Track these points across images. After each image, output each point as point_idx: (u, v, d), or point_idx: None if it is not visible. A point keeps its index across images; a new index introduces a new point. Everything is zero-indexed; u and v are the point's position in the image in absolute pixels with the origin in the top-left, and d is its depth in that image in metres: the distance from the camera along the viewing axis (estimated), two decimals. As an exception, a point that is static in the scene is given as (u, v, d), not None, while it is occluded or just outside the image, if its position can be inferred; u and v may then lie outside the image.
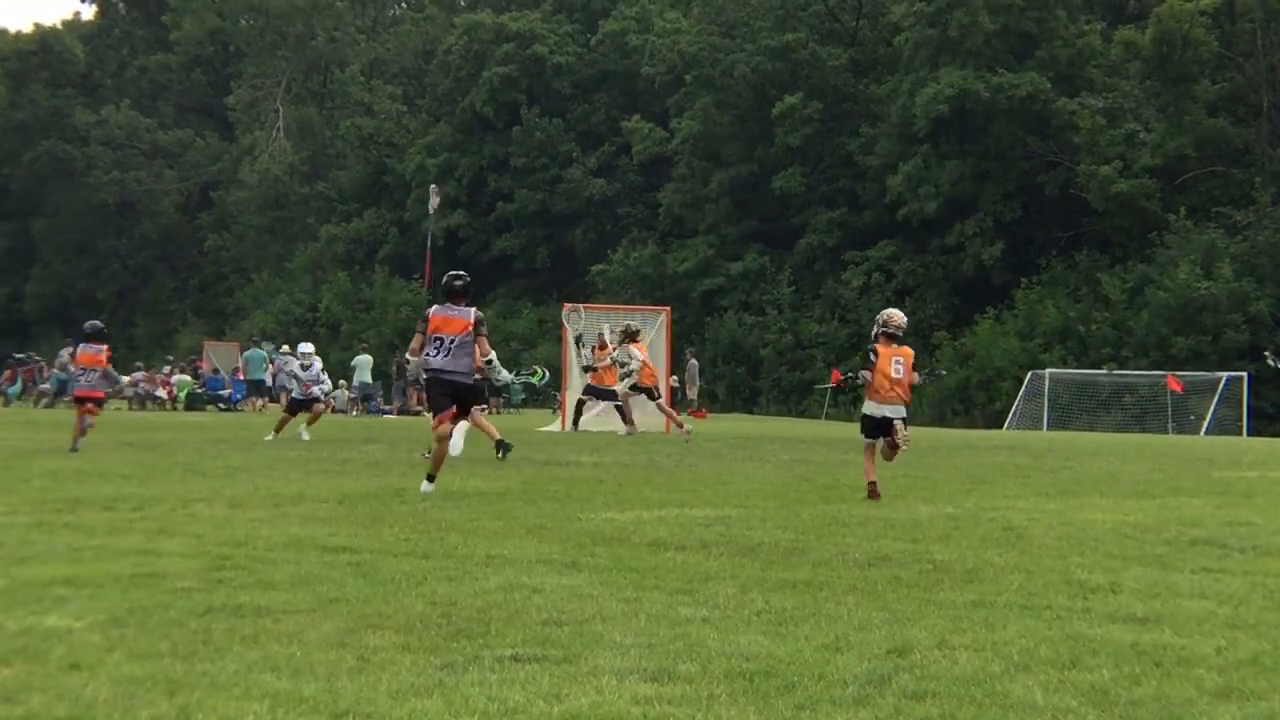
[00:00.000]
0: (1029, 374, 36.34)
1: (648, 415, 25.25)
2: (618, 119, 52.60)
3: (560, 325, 24.67)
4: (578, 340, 23.38)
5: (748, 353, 44.28)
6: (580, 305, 25.10)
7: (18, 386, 38.55)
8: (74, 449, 15.34)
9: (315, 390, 20.08)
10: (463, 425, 10.97)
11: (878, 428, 10.86)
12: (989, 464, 15.64)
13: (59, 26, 73.77)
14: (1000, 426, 34.63)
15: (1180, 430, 32.67)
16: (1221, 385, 33.18)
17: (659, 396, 21.86)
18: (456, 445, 10.93)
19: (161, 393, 37.07)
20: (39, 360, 40.92)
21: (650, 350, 25.46)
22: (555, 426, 24.44)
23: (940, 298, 41.80)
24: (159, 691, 4.26)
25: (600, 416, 22.88)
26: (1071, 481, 12.93)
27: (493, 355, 11.49)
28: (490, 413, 35.94)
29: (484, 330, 11.29)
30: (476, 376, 11.54)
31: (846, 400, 37.14)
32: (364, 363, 36.02)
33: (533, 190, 52.57)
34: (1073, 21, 42.70)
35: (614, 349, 21.78)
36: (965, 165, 40.79)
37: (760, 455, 16.54)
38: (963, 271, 41.16)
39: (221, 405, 36.27)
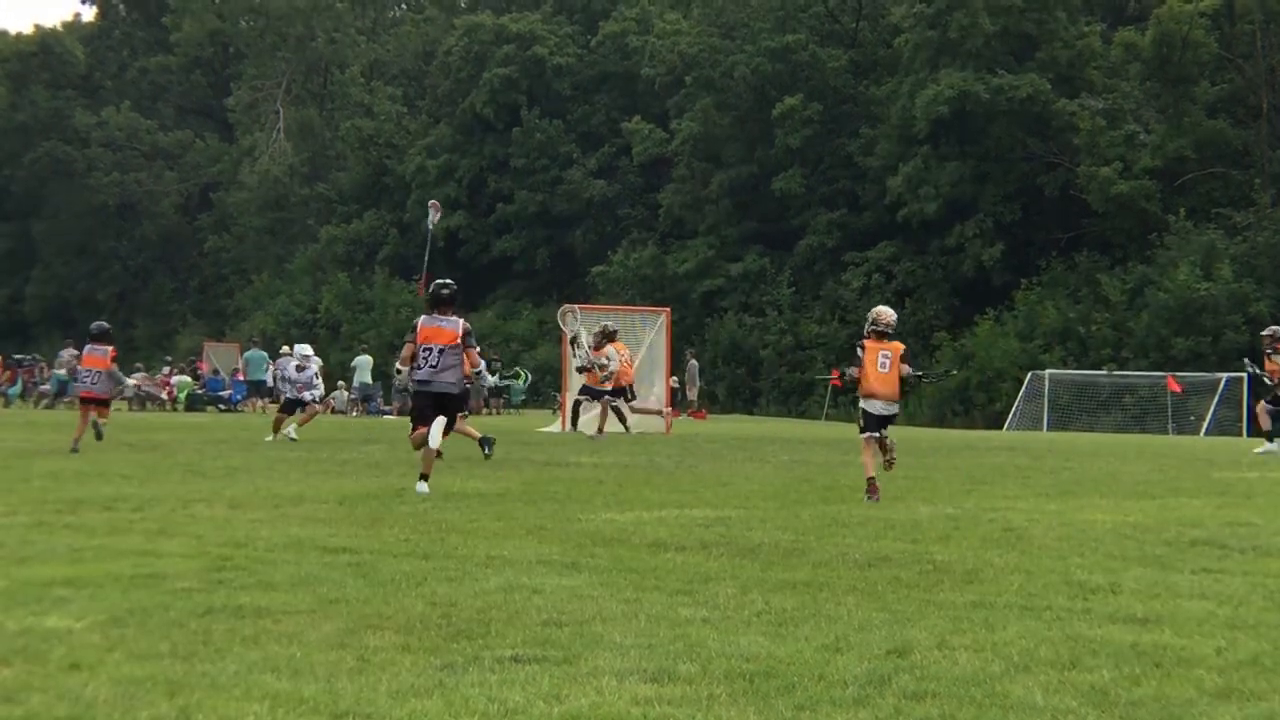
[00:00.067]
0: (1029, 375, 36.34)
1: (649, 416, 25.30)
2: (618, 120, 52.60)
3: (560, 326, 24.68)
4: (573, 341, 23.40)
5: (748, 354, 44.28)
6: (575, 306, 25.11)
7: (18, 387, 38.55)
8: (73, 449, 15.35)
9: (306, 394, 20.08)
10: (440, 420, 11.07)
11: (874, 423, 10.97)
12: (989, 465, 15.64)
13: (59, 28, 73.82)
14: (1000, 427, 34.62)
15: (1180, 431, 32.67)
16: (1221, 386, 33.18)
17: (635, 397, 21.90)
18: (434, 439, 10.98)
19: (162, 393, 37.07)
20: (40, 360, 40.91)
21: (650, 351, 25.51)
22: (555, 427, 24.45)
23: (940, 299, 41.80)
24: (159, 692, 4.26)
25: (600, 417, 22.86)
26: (1071, 482, 12.93)
27: (482, 365, 11.69)
28: (491, 414, 36.02)
29: (473, 342, 11.50)
30: (466, 384, 11.67)
31: (846, 400, 37.11)
32: (364, 363, 36.04)
33: (533, 191, 52.57)
34: (1073, 23, 42.70)
35: (604, 350, 21.87)
36: (965, 166, 40.79)
37: (760, 456, 16.54)
38: (963, 272, 41.16)
39: (222, 406, 36.28)
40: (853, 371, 11.04)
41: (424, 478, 10.90)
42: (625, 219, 52.06)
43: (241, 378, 37.37)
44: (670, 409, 21.92)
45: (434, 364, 11.17)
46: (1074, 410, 35.89)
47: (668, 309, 28.23)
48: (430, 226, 12.02)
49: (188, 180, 66.59)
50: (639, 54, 51.96)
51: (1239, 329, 34.39)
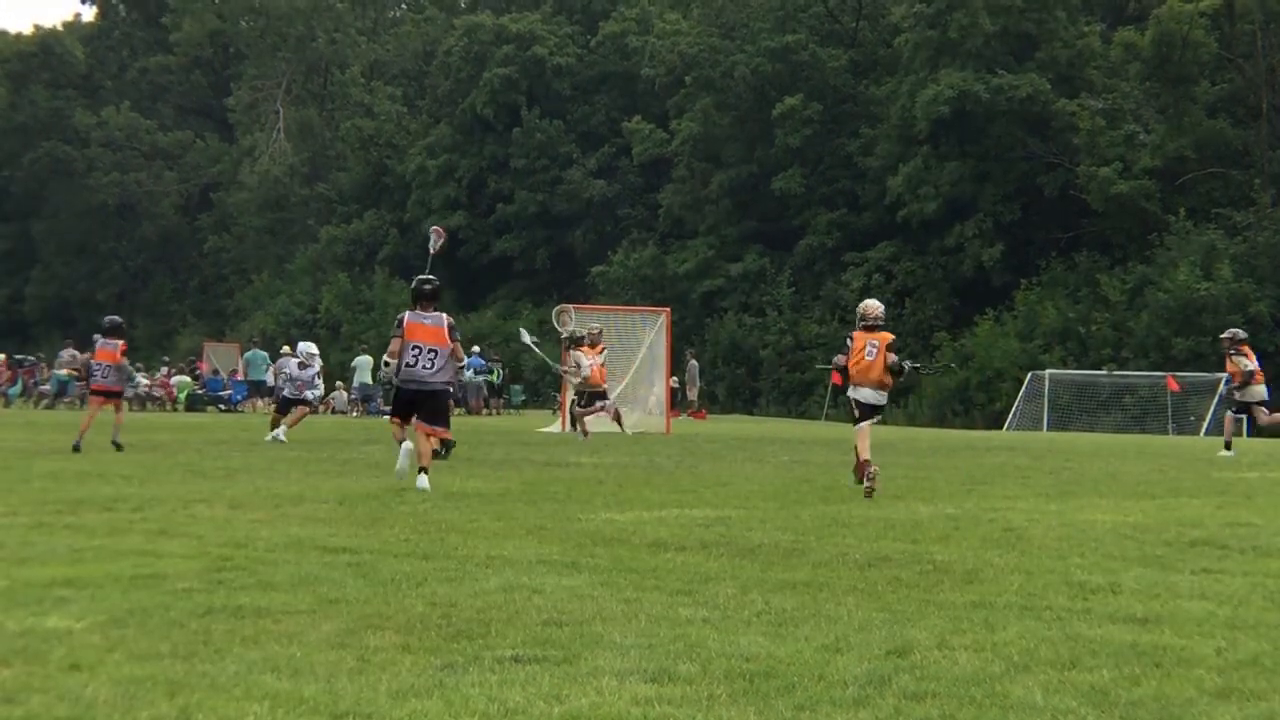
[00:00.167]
0: (1029, 375, 36.34)
1: (648, 416, 25.34)
2: (618, 120, 52.60)
3: (556, 326, 24.70)
4: (586, 340, 23.40)
5: (747, 354, 44.28)
6: (570, 306, 25.12)
7: (18, 387, 38.56)
8: (75, 447, 15.37)
9: (307, 393, 20.08)
10: (424, 438, 11.26)
11: (867, 411, 11.31)
12: (989, 465, 15.64)
13: (59, 28, 73.80)
14: (1000, 427, 34.62)
15: (1180, 431, 32.66)
16: (1221, 386, 33.13)
17: (608, 398, 21.86)
18: (422, 450, 11.12)
19: (161, 393, 37.07)
20: (42, 360, 40.88)
21: (650, 351, 25.52)
22: (555, 427, 24.47)
23: (940, 299, 41.81)
24: (159, 692, 4.26)
25: (600, 418, 22.88)
26: (1071, 482, 12.93)
27: (464, 360, 11.99)
28: (491, 414, 36.03)
29: (457, 336, 11.67)
30: (449, 385, 11.96)
31: (846, 400, 37.13)
32: (364, 364, 36.02)
33: (533, 191, 52.57)
34: (1072, 23, 42.70)
35: (600, 350, 21.90)
36: (965, 166, 40.79)
37: (760, 456, 16.54)
38: (962, 272, 41.16)
39: (222, 406, 36.28)
40: (840, 359, 11.35)
41: (423, 470, 11.00)
42: (625, 219, 52.06)
43: (241, 377, 37.37)
44: (615, 419, 21.81)
45: (427, 365, 11.35)
46: (1074, 410, 35.88)
47: (668, 309, 28.23)
48: (432, 251, 12.13)
49: (188, 180, 66.59)
50: (639, 54, 51.96)
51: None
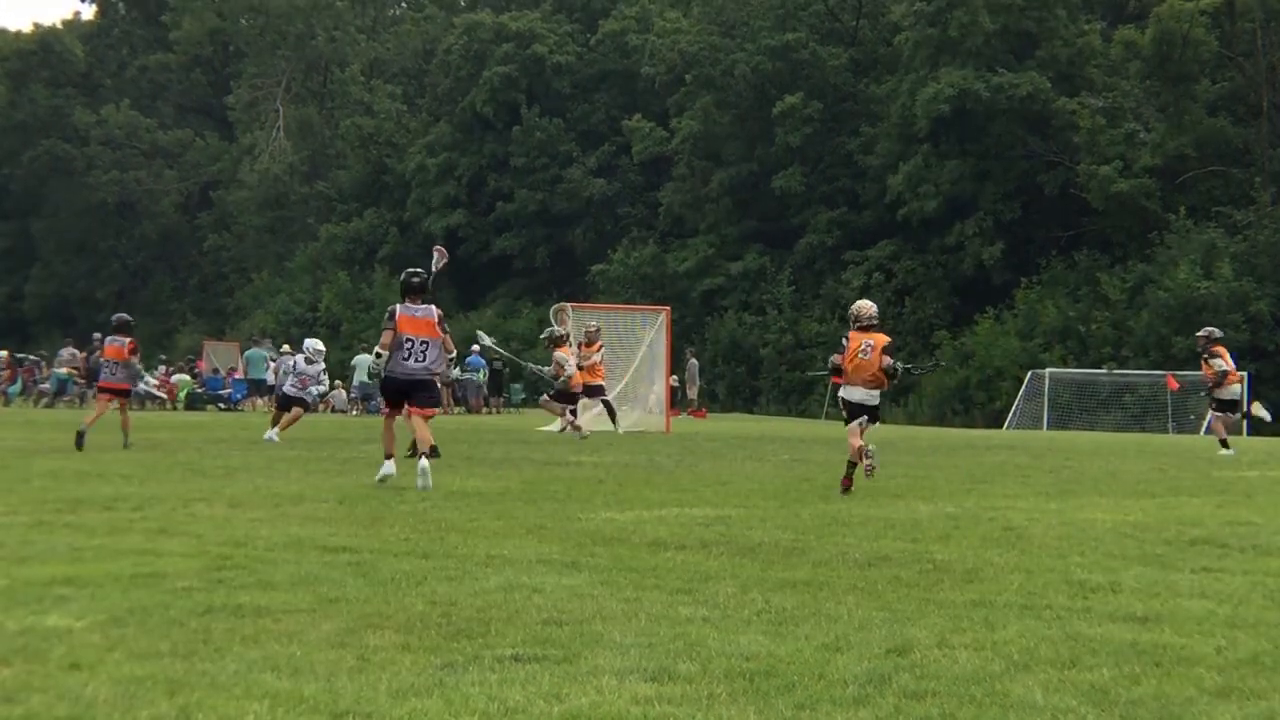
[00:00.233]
0: (1029, 373, 36.35)
1: (648, 415, 25.33)
2: (618, 119, 52.60)
3: (554, 325, 24.69)
4: (566, 340, 23.40)
5: (748, 352, 44.28)
6: (568, 305, 25.11)
7: (18, 386, 38.54)
8: (78, 441, 15.38)
9: (312, 388, 20.06)
10: (421, 422, 11.41)
11: (855, 411, 11.29)
12: (989, 463, 15.64)
13: (59, 26, 73.76)
14: (1000, 426, 34.63)
15: (1180, 430, 32.66)
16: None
17: (578, 401, 21.79)
18: (426, 483, 11.05)
19: (161, 392, 37.04)
20: (44, 358, 40.86)
21: (650, 350, 25.52)
22: (555, 427, 24.44)
23: (940, 297, 41.82)
24: (159, 691, 4.26)
25: (600, 415, 22.90)
26: (1071, 481, 12.93)
27: (454, 353, 12.26)
28: (491, 413, 36.01)
29: (447, 328, 11.87)
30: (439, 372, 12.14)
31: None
32: (363, 362, 35.92)
33: (533, 190, 52.57)
34: (1073, 21, 42.71)
35: (598, 348, 21.91)
36: (965, 165, 40.80)
37: (760, 455, 16.54)
38: (963, 271, 41.17)
39: (222, 405, 36.27)
40: (835, 359, 11.35)
41: (424, 455, 11.19)
42: (625, 217, 52.06)
43: (238, 376, 37.34)
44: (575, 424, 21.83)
45: (420, 358, 11.55)
46: (1074, 409, 35.89)
47: (667, 307, 28.22)
48: (434, 269, 12.22)
49: (187, 179, 66.59)
50: (639, 52, 51.96)
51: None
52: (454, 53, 55.89)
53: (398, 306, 11.72)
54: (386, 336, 11.63)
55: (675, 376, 30.29)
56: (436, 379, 12.41)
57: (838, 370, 11.33)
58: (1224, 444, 18.28)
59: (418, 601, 5.77)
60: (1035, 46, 41.78)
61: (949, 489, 11.74)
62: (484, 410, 36.04)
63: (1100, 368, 35.96)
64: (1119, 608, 5.86)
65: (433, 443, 11.73)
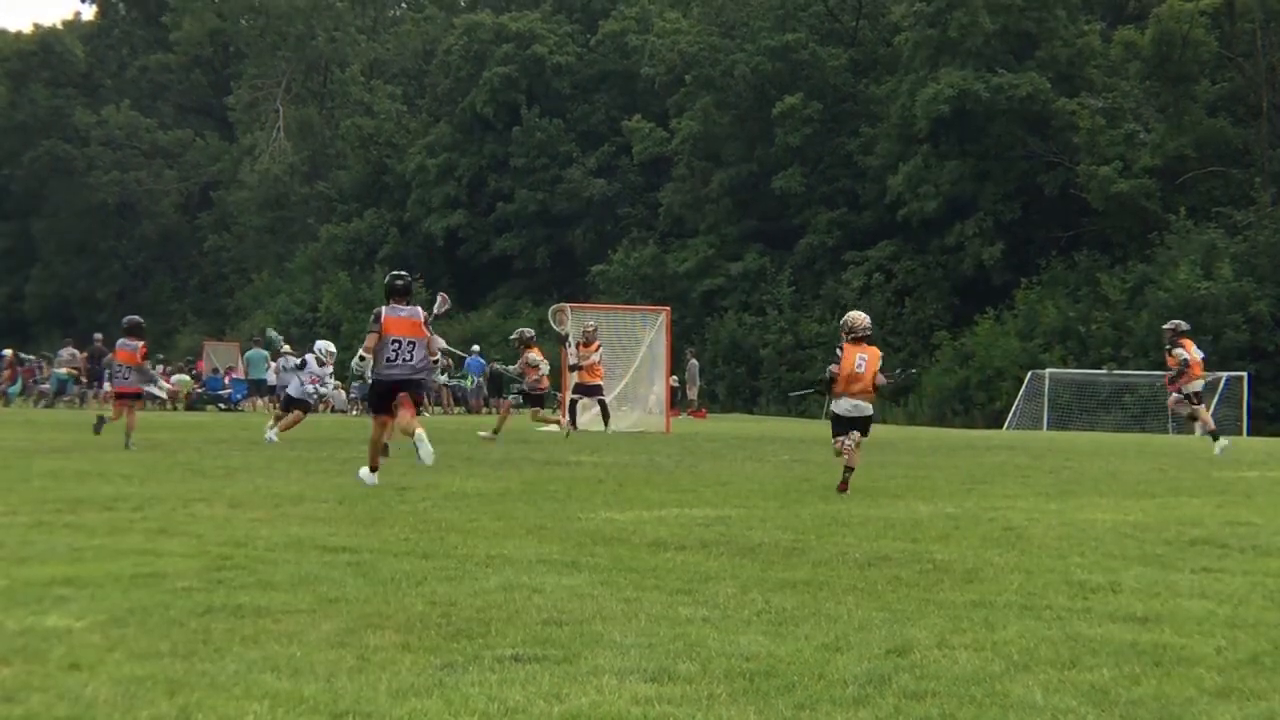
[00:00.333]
0: (1029, 374, 36.35)
1: (648, 415, 25.35)
2: (618, 119, 52.60)
3: (553, 325, 24.71)
4: (564, 340, 23.44)
5: (748, 353, 44.28)
6: (567, 305, 25.12)
7: (18, 386, 38.56)
8: (99, 421, 15.51)
9: (319, 388, 20.07)
10: (409, 413, 11.49)
11: (843, 425, 11.28)
12: (989, 464, 15.64)
13: (59, 26, 73.80)
14: (1000, 426, 34.63)
15: (1180, 430, 32.65)
16: (1221, 385, 33.14)
17: (605, 395, 21.78)
18: (428, 454, 11.24)
19: (161, 392, 37.01)
20: (45, 358, 40.88)
21: (650, 350, 25.54)
22: (555, 427, 24.44)
23: (940, 298, 41.82)
24: (159, 691, 4.26)
25: (598, 416, 22.91)
26: (1071, 481, 12.93)
27: (439, 355, 12.42)
28: (491, 413, 36.01)
29: (431, 329, 12.05)
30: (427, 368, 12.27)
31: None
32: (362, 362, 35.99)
33: (533, 190, 52.57)
34: (1072, 21, 42.71)
35: (596, 348, 21.93)
36: (965, 165, 40.80)
37: (760, 455, 16.55)
38: (963, 271, 41.17)
39: (222, 405, 36.28)
40: (833, 369, 11.29)
41: (415, 435, 11.30)
42: (625, 218, 52.06)
43: (236, 376, 37.34)
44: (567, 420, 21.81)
45: (407, 357, 11.70)
46: (1074, 409, 35.89)
47: (667, 308, 28.23)
48: (436, 313, 12.35)
49: (188, 179, 66.60)
50: (639, 53, 51.96)
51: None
52: (454, 53, 55.90)
53: (383, 309, 11.86)
54: (370, 340, 11.81)
55: (675, 377, 30.31)
56: (425, 380, 12.53)
57: (835, 380, 11.27)
58: (1215, 435, 18.37)
59: (418, 601, 5.77)
60: (1035, 47, 41.79)
61: (949, 489, 11.74)
62: (484, 410, 36.05)
63: (1100, 368, 35.96)
64: (1119, 608, 5.86)
65: (413, 431, 11.62)
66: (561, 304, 25.39)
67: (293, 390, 20.08)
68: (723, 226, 47.41)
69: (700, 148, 47.55)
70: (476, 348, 37.04)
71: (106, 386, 34.69)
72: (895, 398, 36.71)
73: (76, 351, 37.14)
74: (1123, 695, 4.35)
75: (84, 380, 36.51)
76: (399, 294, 11.97)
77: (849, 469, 11.05)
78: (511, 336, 22.08)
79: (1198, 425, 19.60)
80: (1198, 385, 18.72)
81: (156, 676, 4.42)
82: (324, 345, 20.87)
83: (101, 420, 15.59)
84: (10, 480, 11.44)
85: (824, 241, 44.74)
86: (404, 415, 11.65)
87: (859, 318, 11.48)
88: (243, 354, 39.15)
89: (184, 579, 6.25)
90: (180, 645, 4.87)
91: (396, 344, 11.65)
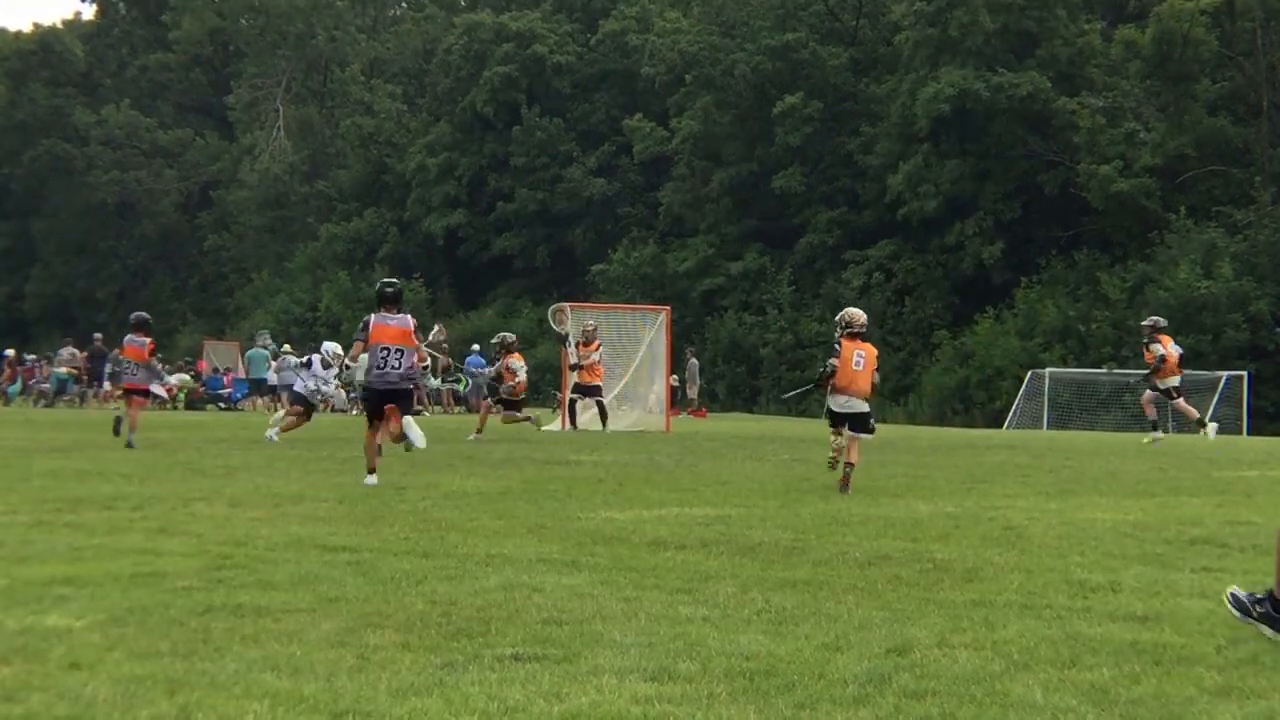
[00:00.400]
0: (1029, 373, 36.33)
1: (648, 414, 25.33)
2: (618, 118, 52.60)
3: (552, 325, 24.68)
4: (564, 340, 23.42)
5: (748, 352, 44.27)
6: (566, 305, 25.11)
7: (18, 385, 38.56)
8: (128, 444, 15.51)
9: (324, 387, 20.11)
10: (408, 419, 11.64)
11: (840, 420, 11.44)
12: (989, 463, 15.63)
13: (59, 26, 73.79)
14: (1000, 426, 34.61)
15: (1180, 430, 32.65)
16: (1221, 385, 33.14)
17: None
18: (418, 437, 11.49)
19: (162, 391, 37.01)
20: (48, 356, 40.88)
21: (650, 349, 25.51)
22: (555, 426, 24.45)
23: (940, 297, 41.81)
24: (159, 690, 4.26)
25: (596, 416, 22.89)
26: (1071, 481, 12.92)
27: (428, 361, 12.61)
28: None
29: (420, 336, 12.35)
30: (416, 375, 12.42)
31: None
32: (363, 362, 35.95)
33: (533, 190, 52.57)
34: (1073, 21, 42.70)
35: (596, 348, 21.94)
36: (965, 164, 40.79)
37: (760, 455, 16.54)
38: (963, 270, 41.16)
39: (222, 405, 36.28)
40: (833, 362, 11.39)
41: (417, 431, 11.67)
42: (625, 217, 52.06)
43: (237, 375, 37.34)
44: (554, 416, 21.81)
45: (395, 365, 11.81)
46: (1074, 409, 35.88)
47: (667, 307, 28.20)
48: (430, 340, 12.63)
49: (188, 178, 66.60)
50: (639, 52, 51.96)
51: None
52: (454, 52, 55.90)
53: (373, 317, 11.96)
54: (356, 348, 12.08)
55: (675, 376, 30.28)
56: (412, 385, 12.67)
57: (834, 373, 11.34)
58: (1154, 425, 18.74)
59: (418, 601, 5.77)
60: (1035, 46, 41.77)
61: (949, 488, 11.74)
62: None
63: (1100, 367, 35.95)
64: (1119, 607, 5.86)
65: (400, 436, 11.87)
66: (561, 304, 25.36)
67: (298, 388, 20.16)
68: (723, 226, 47.41)
69: (700, 147, 47.55)
70: (476, 347, 37.02)
71: (106, 386, 34.72)
72: (896, 397, 36.65)
73: (76, 351, 37.16)
74: (1123, 694, 4.35)
75: (84, 380, 36.51)
76: (389, 302, 12.05)
77: (849, 465, 11.07)
78: (494, 340, 22.00)
79: (1150, 409, 20.11)
80: (1174, 381, 18.99)
81: (156, 676, 4.42)
82: (331, 347, 20.98)
83: (119, 420, 15.64)
84: (10, 480, 11.43)
85: (824, 241, 44.73)
86: (392, 424, 11.84)
87: (859, 314, 11.62)
88: (243, 353, 39.16)
89: (184, 578, 6.25)
90: (180, 644, 4.87)
91: (385, 351, 11.76)
